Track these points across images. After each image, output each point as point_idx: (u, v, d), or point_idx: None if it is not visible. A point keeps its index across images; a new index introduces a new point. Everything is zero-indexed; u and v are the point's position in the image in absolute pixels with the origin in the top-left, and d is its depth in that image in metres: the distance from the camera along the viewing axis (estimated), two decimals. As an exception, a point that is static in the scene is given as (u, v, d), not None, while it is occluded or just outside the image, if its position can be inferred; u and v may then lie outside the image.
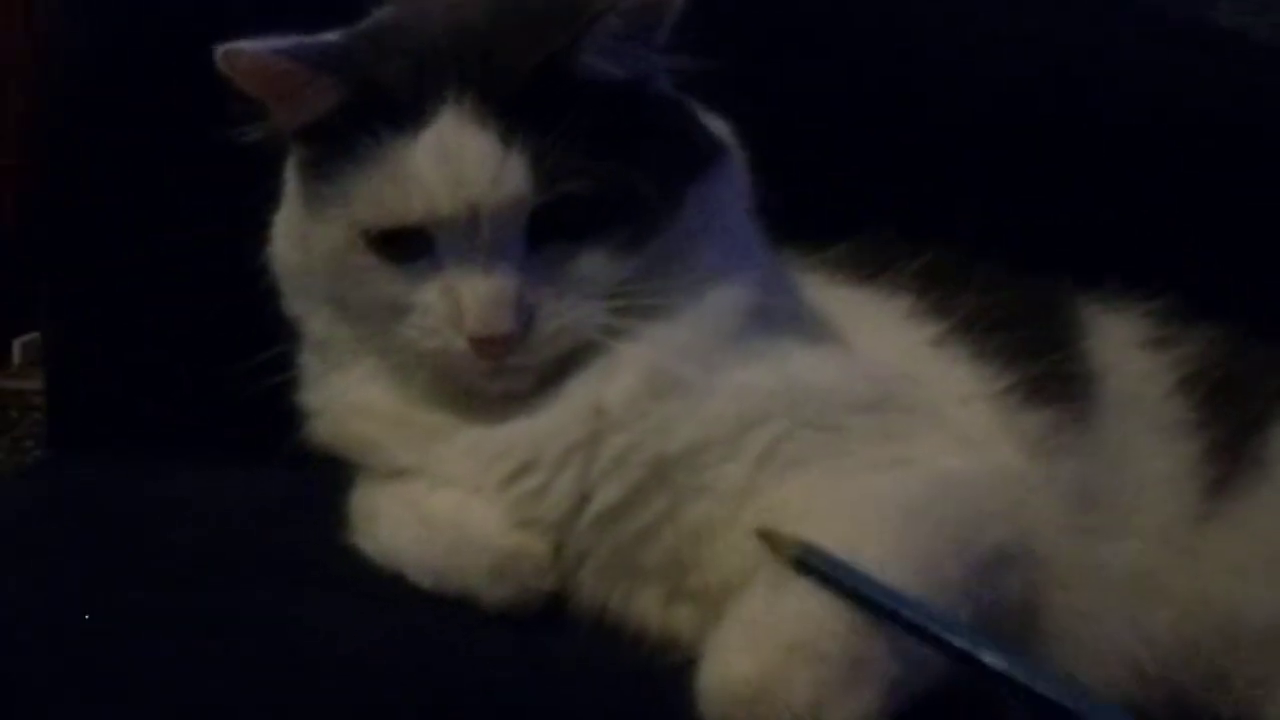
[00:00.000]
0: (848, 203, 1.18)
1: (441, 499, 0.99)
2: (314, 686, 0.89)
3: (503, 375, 0.97)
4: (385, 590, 0.98)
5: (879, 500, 0.96)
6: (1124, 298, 1.20)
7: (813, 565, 0.87)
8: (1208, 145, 1.52)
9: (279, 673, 0.90)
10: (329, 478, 1.07)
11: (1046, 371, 1.08)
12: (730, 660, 0.85)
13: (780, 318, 1.03)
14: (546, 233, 0.96)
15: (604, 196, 0.96)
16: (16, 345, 3.41)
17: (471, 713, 0.89)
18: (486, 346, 0.95)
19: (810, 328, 1.06)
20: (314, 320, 1.06)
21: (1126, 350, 1.16)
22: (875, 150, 1.39)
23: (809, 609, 0.86)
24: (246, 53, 0.96)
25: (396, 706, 0.88)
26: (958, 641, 0.84)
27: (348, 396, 1.05)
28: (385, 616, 0.96)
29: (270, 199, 1.08)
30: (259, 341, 1.07)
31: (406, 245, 0.97)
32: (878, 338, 1.09)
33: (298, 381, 1.09)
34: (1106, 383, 1.12)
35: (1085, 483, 1.06)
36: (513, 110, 0.94)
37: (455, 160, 0.94)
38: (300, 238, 1.04)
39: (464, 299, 0.95)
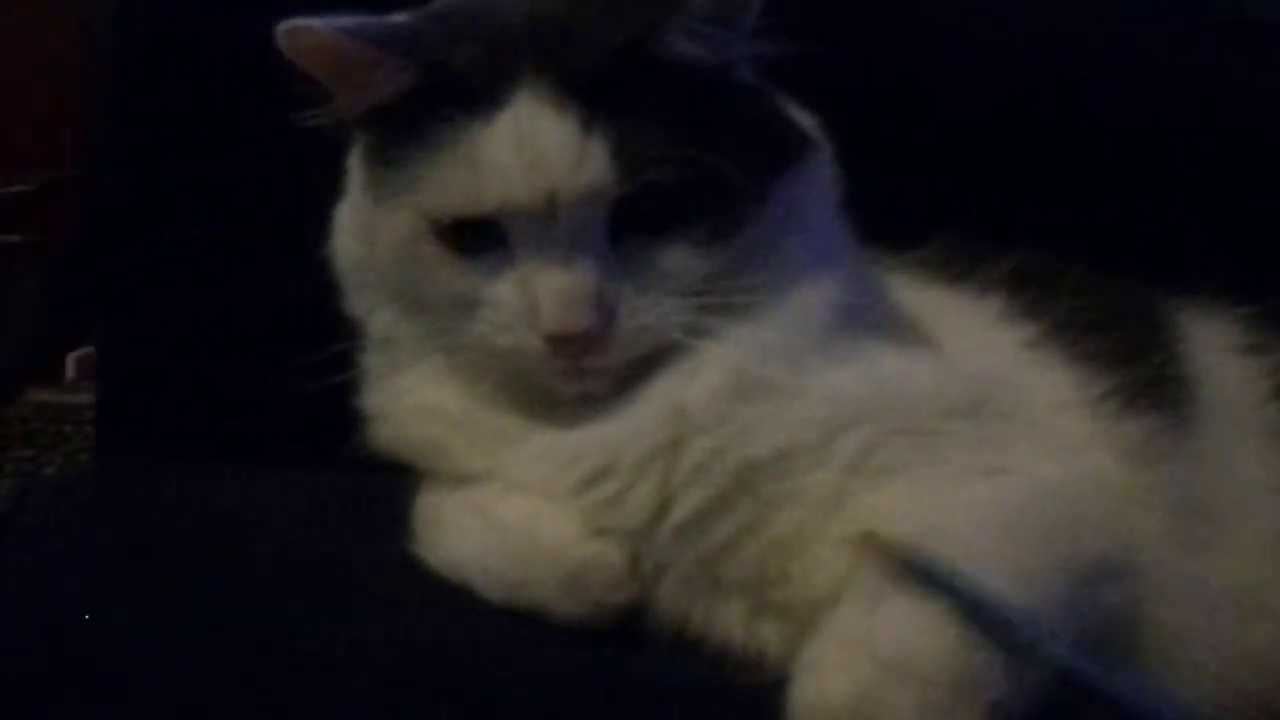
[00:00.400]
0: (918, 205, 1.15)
1: (511, 506, 0.96)
2: (379, 701, 0.88)
3: (580, 375, 0.95)
4: (450, 603, 0.95)
5: (977, 509, 0.93)
6: (1214, 302, 1.18)
7: (928, 573, 0.85)
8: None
9: (346, 686, 0.89)
10: (391, 485, 1.04)
11: (1144, 377, 1.06)
12: (825, 679, 0.82)
13: (869, 318, 1.01)
14: (628, 225, 0.93)
15: (689, 187, 0.93)
16: (71, 360, 3.44)
17: None
18: (564, 345, 0.93)
19: (901, 329, 1.03)
20: (377, 318, 1.04)
21: (1221, 355, 1.15)
22: (896, 146, 1.33)
23: (910, 625, 0.83)
24: (311, 31, 0.93)
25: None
26: (1073, 659, 0.82)
27: (412, 398, 1.03)
28: (450, 631, 0.94)
29: (332, 195, 1.06)
30: (315, 347, 1.03)
31: (479, 236, 0.94)
32: (970, 340, 1.07)
33: (358, 384, 1.07)
34: (1204, 389, 1.10)
35: (1186, 491, 1.04)
36: (593, 93, 0.91)
37: (532, 146, 0.91)
38: (365, 230, 1.01)
39: (540, 294, 0.92)
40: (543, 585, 0.93)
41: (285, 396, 1.07)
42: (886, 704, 0.80)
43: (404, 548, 1.00)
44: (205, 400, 1.29)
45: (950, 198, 1.23)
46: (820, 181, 1.02)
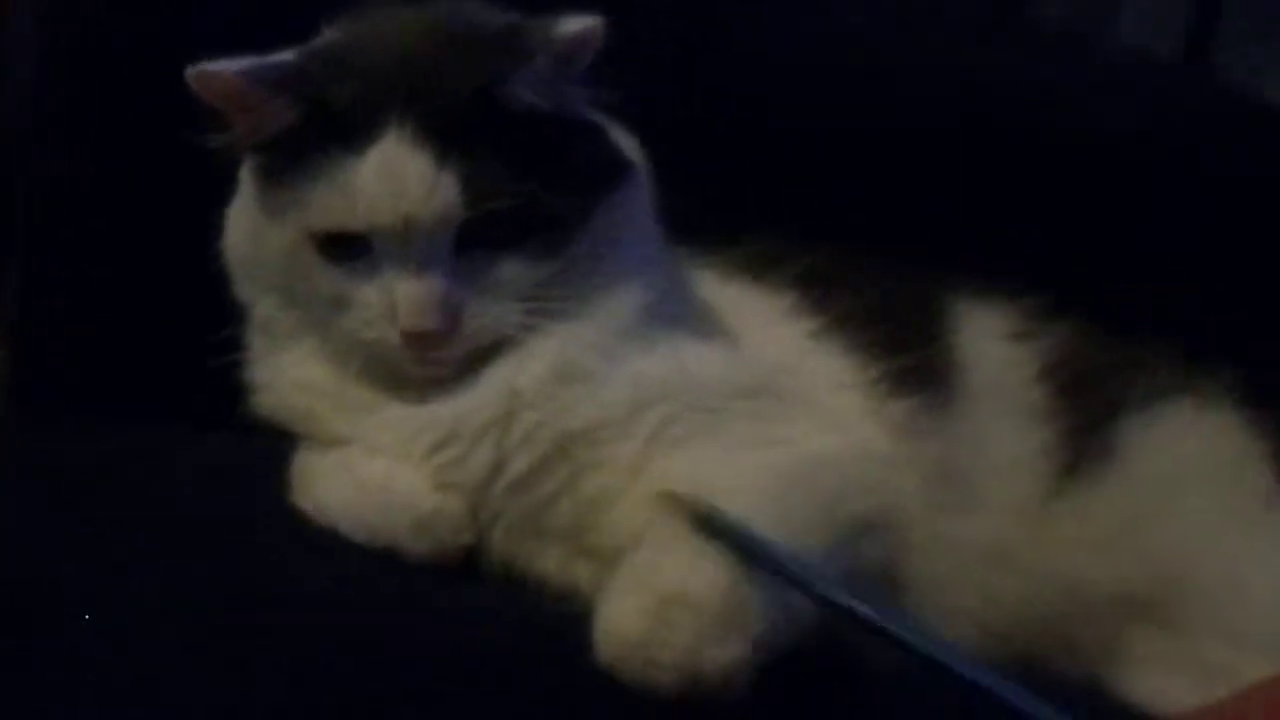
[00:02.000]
0: (741, 206, 1.28)
1: (373, 465, 1.08)
2: (270, 625, 0.98)
3: (429, 363, 1.07)
4: (322, 543, 1.07)
5: (755, 473, 1.04)
6: (992, 292, 1.29)
7: (715, 523, 0.94)
8: (1091, 155, 1.60)
9: (238, 615, 0.98)
10: (272, 445, 1.15)
11: (914, 362, 1.17)
12: (620, 608, 0.92)
13: (675, 314, 1.13)
14: (472, 241, 1.05)
15: (523, 212, 1.05)
16: None
17: (401, 646, 0.97)
18: (417, 340, 1.05)
19: (700, 323, 1.15)
20: (261, 305, 1.15)
21: (992, 341, 1.25)
22: (762, 155, 1.47)
23: (689, 566, 0.92)
24: (215, 74, 1.04)
25: (341, 640, 0.97)
26: (838, 595, 0.91)
27: (289, 373, 1.14)
28: (324, 565, 1.04)
29: (225, 196, 1.16)
30: (209, 320, 1.15)
31: (349, 248, 1.06)
32: (761, 332, 1.18)
33: (244, 359, 1.18)
34: (971, 372, 1.21)
35: (945, 462, 1.15)
36: (447, 134, 1.03)
37: (395, 178, 1.02)
38: (253, 234, 1.12)
39: (398, 298, 1.04)
40: (397, 529, 1.05)
41: (183, 365, 1.16)
42: (669, 629, 0.89)
43: (283, 498, 1.12)
44: (112, 363, 1.36)
45: (759, 201, 1.35)
46: (637, 200, 1.14)
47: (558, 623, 0.99)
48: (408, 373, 1.08)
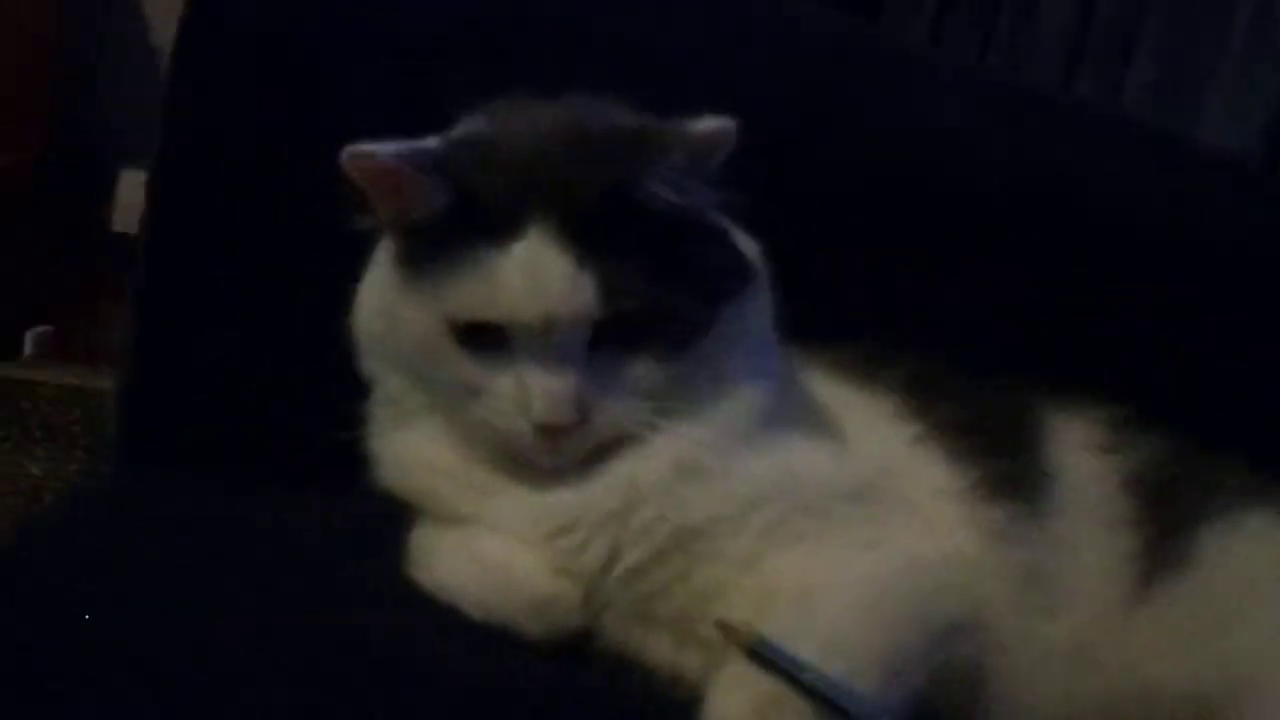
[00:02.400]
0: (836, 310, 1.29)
1: (493, 546, 1.12)
2: (384, 697, 1.00)
3: (556, 454, 1.10)
4: (442, 618, 1.10)
5: (857, 575, 1.09)
6: (1080, 404, 1.31)
7: (763, 656, 0.99)
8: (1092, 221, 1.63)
9: (351, 683, 1.01)
10: (389, 515, 1.18)
11: (1008, 470, 1.21)
12: (730, 700, 0.98)
13: (788, 416, 1.16)
14: (604, 340, 1.08)
15: (654, 313, 1.08)
16: (29, 337, 3.47)
17: None
18: (549, 433, 1.08)
19: (811, 424, 1.18)
20: (389, 381, 1.18)
21: (1079, 453, 1.28)
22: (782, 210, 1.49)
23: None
24: (366, 154, 1.07)
25: (456, 712, 1.01)
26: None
27: (414, 450, 1.17)
28: (440, 639, 1.08)
29: (356, 272, 1.19)
30: (334, 386, 1.18)
31: (485, 337, 1.09)
32: (865, 434, 1.21)
33: (367, 428, 1.21)
34: (1060, 482, 1.24)
35: (1034, 567, 1.18)
36: (585, 234, 1.06)
37: (538, 276, 1.06)
38: (387, 313, 1.15)
39: (534, 392, 1.08)
40: (515, 610, 1.09)
41: (304, 431, 1.21)
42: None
43: (402, 570, 1.15)
44: (228, 424, 1.38)
45: (857, 305, 1.40)
46: (759, 304, 1.17)
47: (665, 706, 1.05)
48: (533, 461, 1.11)
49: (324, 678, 1.02)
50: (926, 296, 1.54)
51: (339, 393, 1.19)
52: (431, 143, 1.12)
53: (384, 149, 1.08)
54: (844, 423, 1.21)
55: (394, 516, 1.19)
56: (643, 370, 1.11)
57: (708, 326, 1.13)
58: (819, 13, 1.68)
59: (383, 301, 1.16)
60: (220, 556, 1.17)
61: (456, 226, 1.09)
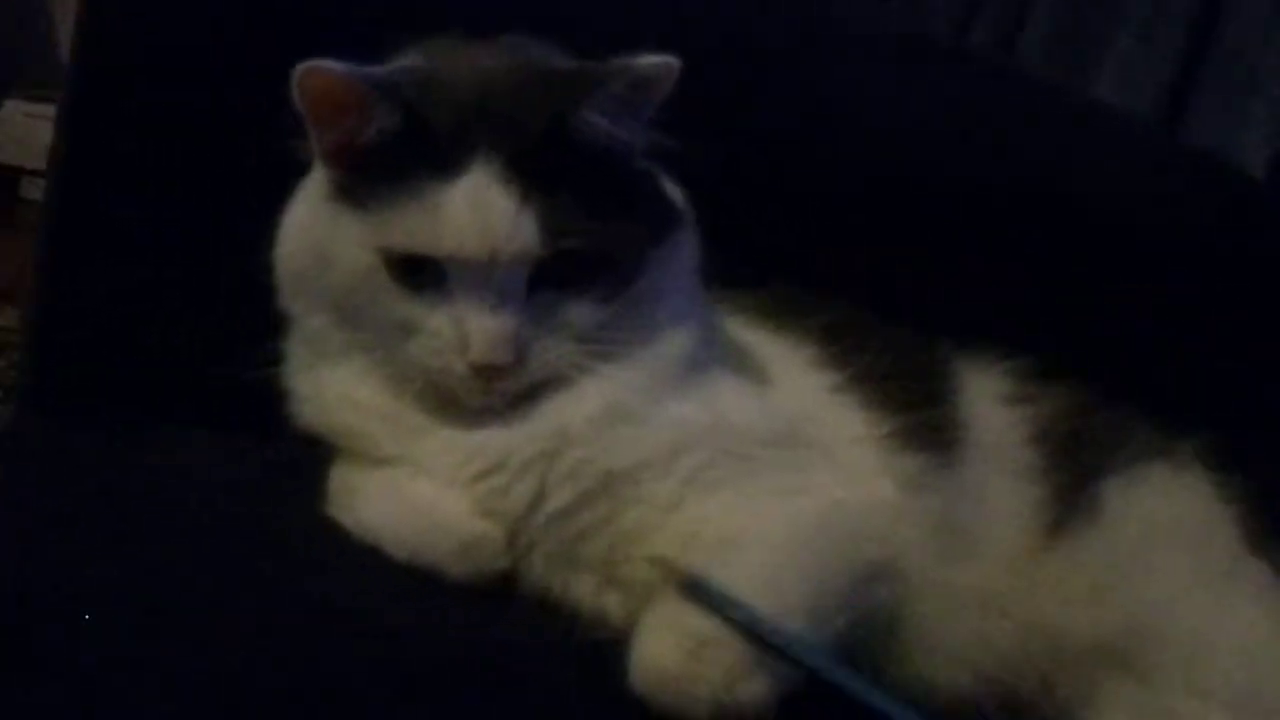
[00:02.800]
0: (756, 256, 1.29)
1: (417, 487, 1.11)
2: (308, 645, 1.00)
3: (489, 394, 1.10)
4: (355, 557, 1.10)
5: (781, 519, 1.10)
6: (988, 356, 1.34)
7: (698, 594, 1.00)
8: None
9: (275, 637, 1.00)
10: (301, 456, 1.18)
11: (923, 420, 1.23)
12: (659, 642, 0.99)
13: (712, 361, 1.17)
14: (541, 280, 1.08)
15: (592, 253, 1.08)
16: None
17: (437, 669, 1.01)
18: (485, 372, 1.08)
19: (734, 370, 1.19)
20: (311, 320, 1.16)
21: (990, 403, 1.30)
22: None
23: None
24: (324, 70, 1.05)
25: (379, 657, 0.99)
26: (815, 662, 1.00)
27: (336, 389, 1.15)
28: (355, 579, 1.08)
29: (268, 207, 1.16)
30: (244, 325, 1.16)
31: (422, 274, 1.08)
32: (787, 381, 1.23)
33: (283, 366, 1.19)
34: (972, 431, 1.26)
35: (947, 515, 1.20)
36: (529, 171, 1.06)
37: (483, 212, 1.05)
38: (316, 248, 1.13)
39: (472, 331, 1.07)
40: (439, 552, 1.08)
41: (211, 369, 1.18)
42: (705, 663, 0.97)
43: (318, 510, 1.15)
44: (137, 362, 1.35)
45: (783, 254, 1.39)
46: (686, 250, 1.17)
47: (587, 649, 1.05)
48: (464, 401, 1.11)
49: (237, 624, 1.00)
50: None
51: (248, 332, 1.17)
52: (378, 70, 1.10)
53: (340, 65, 1.06)
54: (765, 369, 1.23)
55: (307, 457, 1.18)
56: (578, 312, 1.10)
57: (639, 268, 1.13)
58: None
59: (310, 236, 1.14)
60: (128, 499, 1.16)
61: (401, 155, 1.07)
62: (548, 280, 1.09)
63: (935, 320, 1.35)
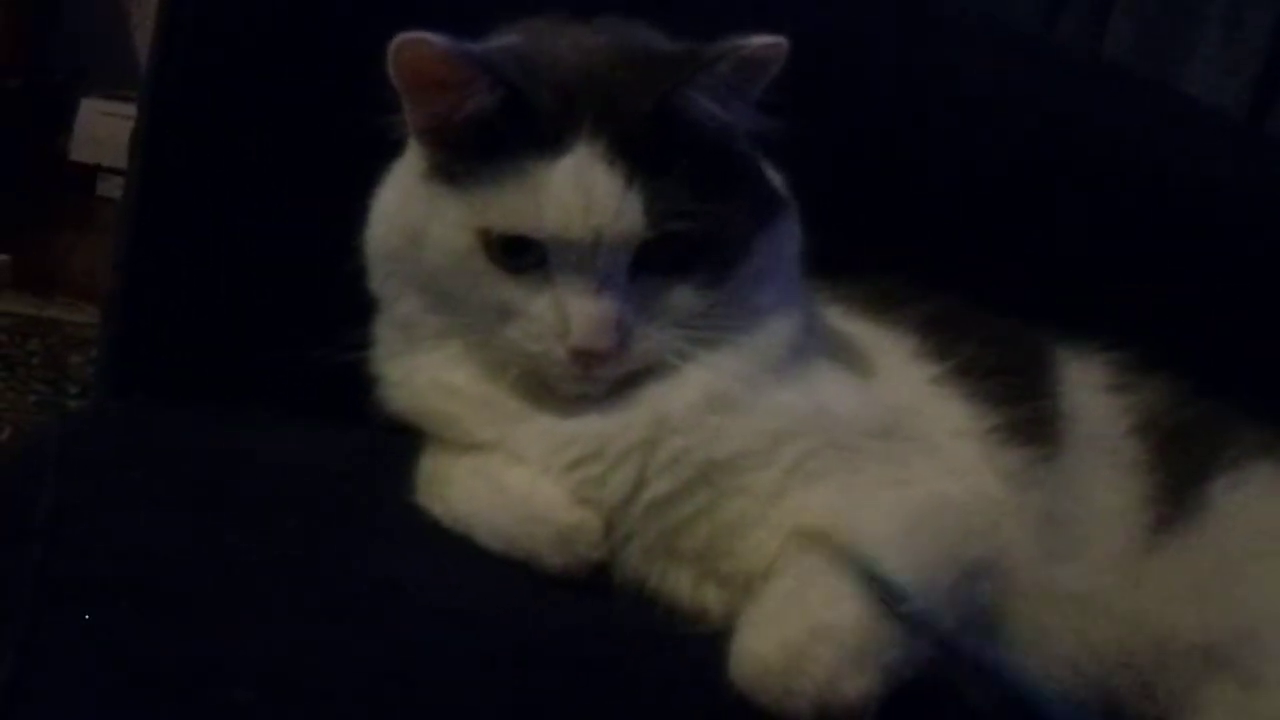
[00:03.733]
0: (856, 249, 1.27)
1: (513, 474, 1.09)
2: (396, 633, 0.98)
3: (588, 381, 1.08)
4: (455, 548, 1.08)
5: (886, 511, 1.08)
6: (1089, 345, 1.31)
7: (852, 564, 1.00)
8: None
9: (362, 621, 0.99)
10: (390, 443, 1.16)
11: (1026, 414, 1.20)
12: (761, 636, 0.96)
13: (814, 350, 1.15)
14: (645, 264, 1.06)
15: (698, 236, 1.06)
16: None
17: (536, 659, 0.99)
18: (585, 359, 1.06)
19: (838, 359, 1.17)
20: (403, 302, 1.14)
21: (1092, 393, 1.27)
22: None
23: (831, 599, 0.98)
24: (422, 42, 1.03)
25: (472, 650, 0.98)
26: (958, 640, 1.00)
27: (428, 374, 1.14)
28: (459, 571, 1.06)
29: (352, 193, 1.14)
30: (329, 308, 1.14)
31: (522, 256, 1.06)
32: (889, 372, 1.20)
33: (373, 351, 1.17)
34: (1075, 423, 1.23)
35: (1051, 510, 1.18)
36: (634, 152, 1.03)
37: (587, 191, 1.03)
38: (411, 229, 1.10)
39: (573, 315, 1.04)
40: (535, 541, 1.06)
41: (295, 355, 1.17)
42: (810, 659, 0.93)
43: (406, 498, 1.13)
44: (220, 347, 1.35)
45: (885, 246, 1.35)
46: (789, 235, 1.15)
47: (686, 641, 1.03)
48: (562, 387, 1.09)
49: (332, 613, 1.00)
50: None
51: (334, 318, 1.14)
52: (477, 46, 1.07)
53: (440, 38, 1.03)
54: (867, 359, 1.21)
55: (395, 444, 1.16)
56: (681, 297, 1.08)
57: (745, 255, 1.10)
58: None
59: (404, 217, 1.12)
60: (208, 483, 1.15)
61: (502, 133, 1.05)
62: (650, 264, 1.06)
63: (1032, 310, 1.32)
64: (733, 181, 1.09)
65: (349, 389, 1.18)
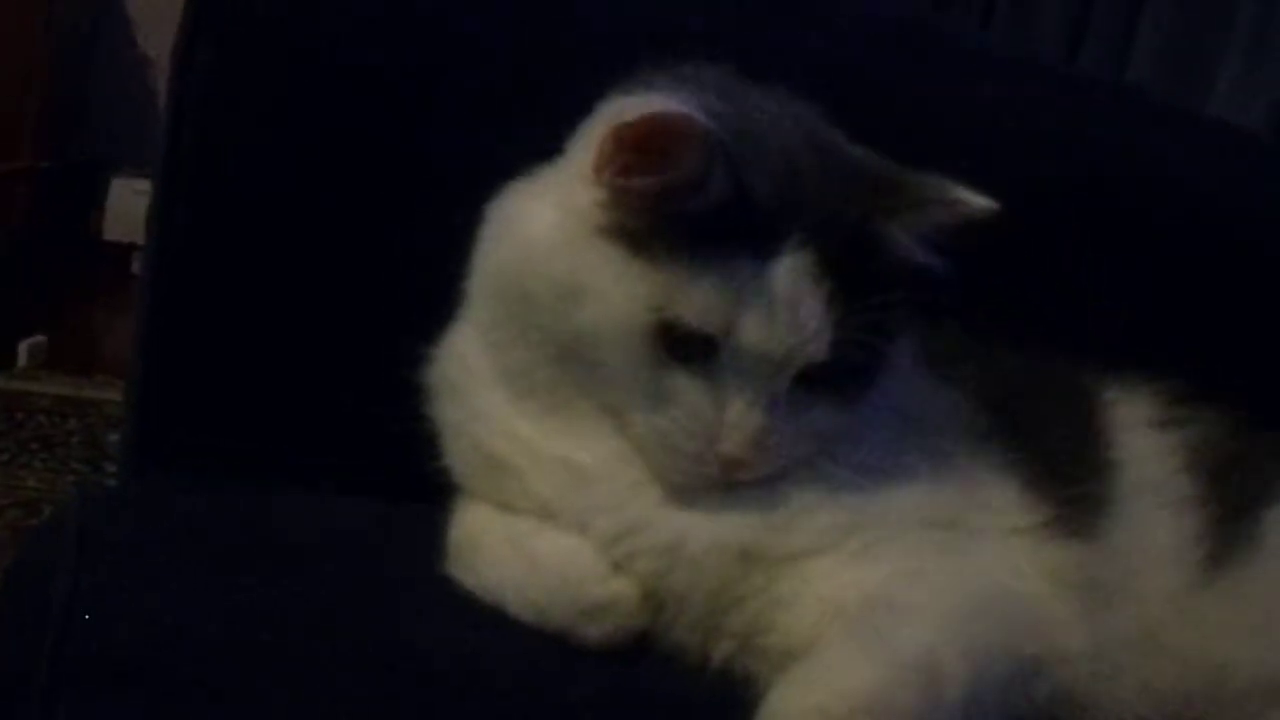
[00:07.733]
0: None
1: (545, 541, 1.05)
2: (427, 706, 0.97)
3: (713, 482, 1.03)
4: (487, 619, 1.05)
5: (944, 598, 1.04)
6: (1137, 378, 1.27)
7: None
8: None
9: (391, 701, 0.97)
10: (415, 509, 1.14)
11: (1081, 497, 1.16)
12: (798, 697, 0.95)
13: (895, 433, 1.12)
14: (800, 378, 1.02)
15: (858, 364, 1.04)
16: (23, 347, 3.47)
17: None
18: (728, 465, 1.01)
19: (911, 441, 1.13)
20: (519, 351, 1.07)
21: (1143, 435, 1.24)
22: None
23: (876, 675, 0.96)
24: (691, 120, 0.95)
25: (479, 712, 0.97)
26: None
27: (501, 423, 1.09)
28: (490, 643, 1.04)
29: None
30: (351, 380, 1.15)
31: (693, 345, 1.00)
32: (958, 457, 1.15)
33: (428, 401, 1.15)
34: (1126, 468, 1.20)
35: (1102, 565, 1.14)
36: (836, 270, 0.99)
37: (794, 307, 0.98)
38: (564, 284, 1.02)
39: (736, 424, 1.00)
40: (569, 615, 1.03)
41: (319, 422, 1.18)
42: (896, 702, 0.93)
43: (439, 568, 1.10)
44: (243, 422, 1.33)
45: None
46: (911, 346, 1.12)
47: (732, 708, 0.98)
48: (676, 479, 1.05)
49: (358, 696, 0.97)
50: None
51: (355, 387, 1.16)
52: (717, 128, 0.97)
53: (702, 118, 0.95)
54: (940, 440, 1.16)
55: (421, 516, 1.14)
56: (821, 415, 1.05)
57: (880, 375, 1.08)
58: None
59: (561, 268, 1.03)
60: (241, 568, 1.11)
61: (717, 223, 0.98)
62: (803, 378, 1.03)
63: (1070, 339, 1.31)
64: (903, 321, 1.07)
65: (374, 461, 1.19)
